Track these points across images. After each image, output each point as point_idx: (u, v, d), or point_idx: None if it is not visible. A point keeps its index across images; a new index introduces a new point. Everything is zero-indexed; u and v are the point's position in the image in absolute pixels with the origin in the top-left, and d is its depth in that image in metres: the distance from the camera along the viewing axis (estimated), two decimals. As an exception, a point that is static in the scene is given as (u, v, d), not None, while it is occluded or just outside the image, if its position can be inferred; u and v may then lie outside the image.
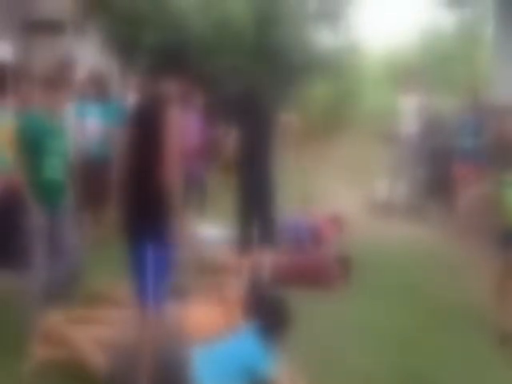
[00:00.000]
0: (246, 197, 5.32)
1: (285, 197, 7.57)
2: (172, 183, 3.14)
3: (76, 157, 5.21)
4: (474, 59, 15.39)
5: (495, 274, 4.61)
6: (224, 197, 6.28)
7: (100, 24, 12.22)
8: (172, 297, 3.88)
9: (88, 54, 10.89)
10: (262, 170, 5.28)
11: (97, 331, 3.80)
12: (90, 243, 5.34)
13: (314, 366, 3.71)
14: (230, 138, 5.37)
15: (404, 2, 25.80)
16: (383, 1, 25.13)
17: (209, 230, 6.14)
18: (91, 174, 6.07)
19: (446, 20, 16.57)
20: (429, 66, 12.31)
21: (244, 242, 5.33)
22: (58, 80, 4.63)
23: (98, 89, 6.92)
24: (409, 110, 9.02)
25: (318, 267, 5.63)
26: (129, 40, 11.86)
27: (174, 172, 3.15)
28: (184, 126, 5.84)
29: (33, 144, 4.30)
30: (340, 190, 9.66)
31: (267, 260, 5.14)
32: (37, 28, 10.58)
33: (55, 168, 4.40)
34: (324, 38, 14.86)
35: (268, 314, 3.46)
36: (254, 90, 5.96)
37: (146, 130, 3.26)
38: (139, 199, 3.29)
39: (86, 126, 6.61)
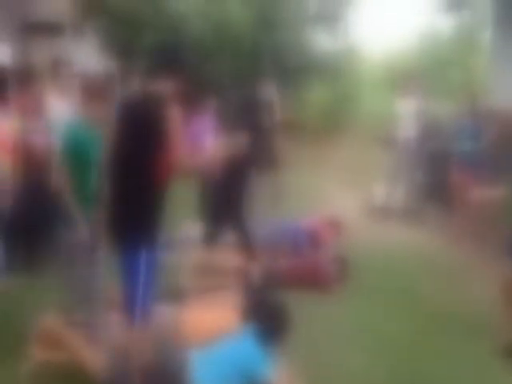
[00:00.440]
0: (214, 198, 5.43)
1: (283, 200, 7.62)
2: (164, 183, 3.14)
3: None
4: (472, 63, 15.42)
5: (503, 282, 4.50)
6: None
7: (98, 26, 12.23)
8: (169, 299, 3.88)
9: (86, 56, 10.89)
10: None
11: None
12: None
13: (312, 369, 3.71)
14: (239, 141, 5.35)
15: (402, 6, 25.91)
16: (382, 5, 25.22)
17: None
18: None
19: (444, 24, 16.63)
20: (427, 70, 12.33)
21: (209, 240, 5.46)
22: (100, 89, 4.48)
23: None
24: (407, 114, 9.02)
25: (316, 270, 5.63)
26: (127, 42, 11.88)
27: (168, 171, 3.15)
28: (197, 130, 5.93)
29: (78, 155, 4.05)
30: (338, 193, 9.65)
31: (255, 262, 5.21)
32: (35, 30, 10.59)
33: (95, 180, 4.12)
34: (322, 42, 14.92)
35: (266, 316, 3.45)
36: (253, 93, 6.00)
37: (137, 128, 3.23)
38: (128, 200, 3.25)
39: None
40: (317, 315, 4.75)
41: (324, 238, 6.42)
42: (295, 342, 3.64)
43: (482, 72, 11.90)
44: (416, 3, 18.10)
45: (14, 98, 5.46)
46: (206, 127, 6.60)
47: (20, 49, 9.91)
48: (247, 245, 5.49)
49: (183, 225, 6.14)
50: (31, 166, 5.48)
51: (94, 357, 3.52)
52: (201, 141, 5.92)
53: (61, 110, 6.09)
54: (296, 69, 13.19)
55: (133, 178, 3.23)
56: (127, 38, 11.80)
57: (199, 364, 3.23)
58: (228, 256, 5.47)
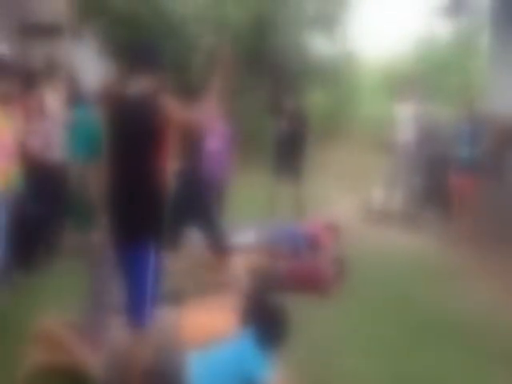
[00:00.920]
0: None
1: (282, 203, 7.61)
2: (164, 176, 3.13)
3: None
4: (470, 68, 15.47)
5: None
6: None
7: (97, 27, 12.23)
8: (168, 302, 3.87)
9: (85, 57, 10.89)
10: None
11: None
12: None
13: (311, 372, 3.71)
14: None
15: (401, 10, 25.99)
16: (380, 9, 25.30)
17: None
18: None
19: (442, 29, 16.68)
20: (425, 75, 12.34)
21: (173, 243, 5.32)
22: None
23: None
24: (405, 119, 9.05)
25: (315, 273, 5.63)
26: (126, 44, 11.86)
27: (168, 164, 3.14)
28: (210, 130, 5.95)
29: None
30: (337, 197, 9.66)
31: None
32: (34, 31, 10.57)
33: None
34: (321, 46, 14.93)
35: (265, 319, 3.44)
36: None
37: (134, 126, 3.22)
38: (132, 202, 3.23)
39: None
40: (315, 318, 4.75)
41: (323, 242, 6.42)
42: (294, 344, 3.63)
43: (480, 77, 11.93)
44: (414, 8, 18.17)
45: (16, 100, 5.44)
46: (219, 129, 6.63)
47: (18, 50, 9.88)
48: (217, 245, 5.37)
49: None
50: (32, 167, 5.48)
51: (93, 358, 3.50)
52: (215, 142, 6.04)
53: (57, 112, 6.11)
54: (294, 73, 13.19)
55: (135, 177, 3.22)
56: (126, 39, 11.78)
57: (198, 367, 3.22)
58: (230, 257, 5.47)
